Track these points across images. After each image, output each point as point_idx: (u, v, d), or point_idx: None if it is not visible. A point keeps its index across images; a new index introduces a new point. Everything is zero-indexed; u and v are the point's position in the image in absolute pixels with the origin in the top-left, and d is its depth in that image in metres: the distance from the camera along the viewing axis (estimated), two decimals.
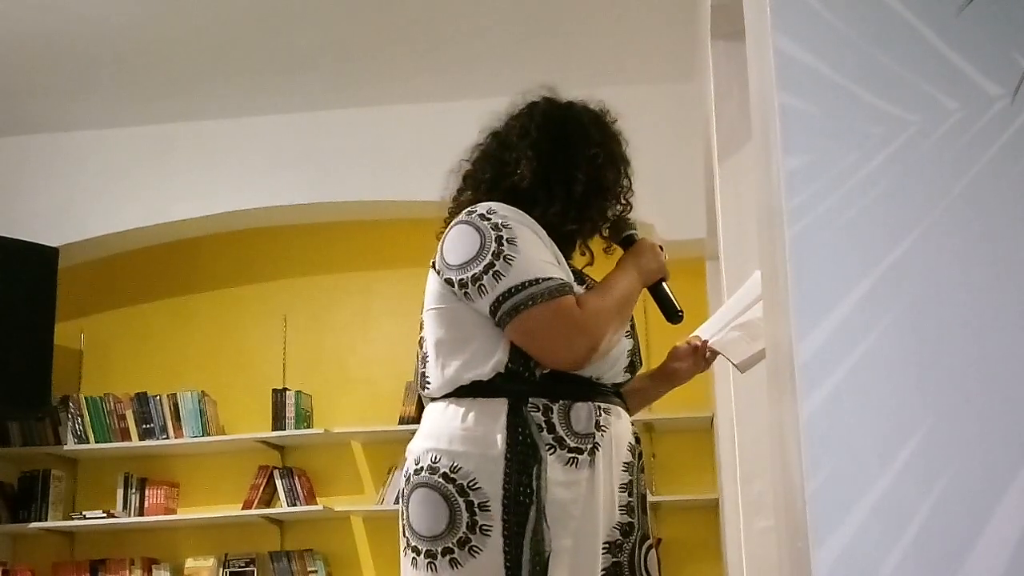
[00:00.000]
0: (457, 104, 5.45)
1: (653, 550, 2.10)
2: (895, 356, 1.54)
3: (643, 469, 2.13)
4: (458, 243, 2.05)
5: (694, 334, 2.41)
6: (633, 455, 2.09)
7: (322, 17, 4.92)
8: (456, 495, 1.95)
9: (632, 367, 2.16)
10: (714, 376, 4.45)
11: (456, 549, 1.93)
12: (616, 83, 5.32)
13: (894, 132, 1.61)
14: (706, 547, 5.50)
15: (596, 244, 2.27)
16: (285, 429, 5.78)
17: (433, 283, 2.09)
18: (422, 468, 1.99)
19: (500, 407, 1.98)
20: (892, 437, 1.51)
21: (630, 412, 2.17)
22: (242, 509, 5.77)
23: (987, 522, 1.47)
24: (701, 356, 2.38)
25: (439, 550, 1.94)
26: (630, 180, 2.22)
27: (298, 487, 5.74)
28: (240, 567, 5.77)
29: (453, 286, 2.03)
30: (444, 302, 2.06)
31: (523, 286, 1.98)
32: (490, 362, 2.00)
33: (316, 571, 5.72)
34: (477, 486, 1.94)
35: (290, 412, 5.79)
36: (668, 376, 2.40)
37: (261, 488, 5.78)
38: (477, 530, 1.93)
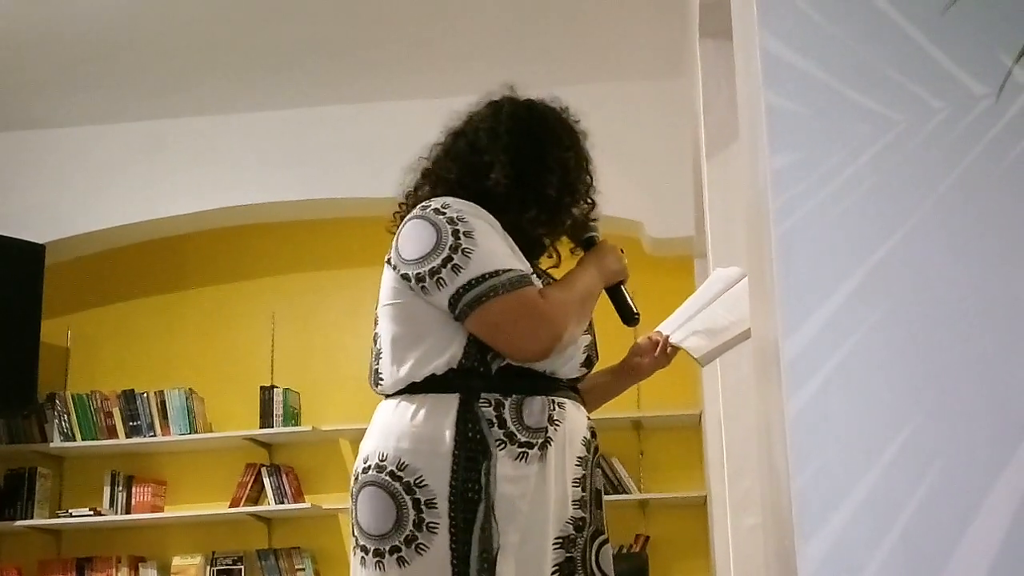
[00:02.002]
0: (447, 101, 5.37)
1: (607, 545, 2.08)
2: (882, 353, 1.55)
3: (599, 464, 2.11)
4: (414, 237, 2.03)
5: (656, 329, 2.42)
6: (588, 450, 2.07)
7: (312, 13, 4.91)
8: (403, 493, 1.94)
9: (589, 362, 2.15)
10: (702, 374, 4.46)
11: (403, 547, 1.92)
12: (605, 80, 5.33)
13: (880, 131, 1.62)
14: (694, 544, 5.52)
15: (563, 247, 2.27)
16: (273, 427, 5.77)
17: (388, 279, 2.08)
18: (370, 467, 1.99)
19: (451, 403, 1.97)
20: (879, 433, 1.52)
21: (589, 409, 2.16)
22: (229, 507, 5.76)
23: (974, 518, 1.47)
24: (662, 351, 2.38)
25: (387, 548, 1.94)
26: (592, 177, 2.21)
27: (286, 485, 5.73)
28: (227, 565, 5.76)
29: (410, 281, 2.02)
30: (400, 297, 2.05)
31: (483, 278, 1.97)
32: (444, 357, 1.99)
33: (304, 569, 5.72)
34: (424, 483, 1.93)
35: (278, 409, 5.78)
36: (629, 371, 2.39)
37: (249, 486, 5.77)
38: (424, 527, 1.92)
